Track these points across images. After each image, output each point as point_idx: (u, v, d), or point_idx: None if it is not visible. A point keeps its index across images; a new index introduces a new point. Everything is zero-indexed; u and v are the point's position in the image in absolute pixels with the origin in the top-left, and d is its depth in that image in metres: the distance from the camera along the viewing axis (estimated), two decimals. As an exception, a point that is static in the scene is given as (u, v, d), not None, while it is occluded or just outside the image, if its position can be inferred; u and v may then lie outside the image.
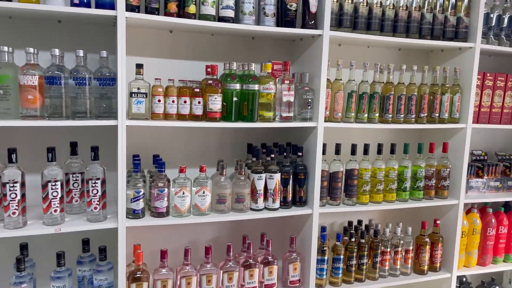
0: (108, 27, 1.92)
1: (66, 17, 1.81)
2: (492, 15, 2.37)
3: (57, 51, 1.65)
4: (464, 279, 2.69)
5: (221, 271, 1.98)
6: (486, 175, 2.54)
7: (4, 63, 1.60)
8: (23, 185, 1.65)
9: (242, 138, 2.24)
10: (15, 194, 1.61)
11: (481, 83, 2.39)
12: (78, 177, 1.84)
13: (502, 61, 2.72)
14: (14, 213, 1.63)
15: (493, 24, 2.37)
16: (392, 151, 2.25)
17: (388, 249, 2.28)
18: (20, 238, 1.77)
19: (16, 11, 1.66)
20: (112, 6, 1.67)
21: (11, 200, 1.61)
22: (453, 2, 2.23)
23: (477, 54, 2.27)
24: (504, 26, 2.39)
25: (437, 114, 2.28)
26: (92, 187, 1.74)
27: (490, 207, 2.57)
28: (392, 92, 2.16)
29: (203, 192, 1.90)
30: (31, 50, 1.61)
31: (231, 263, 1.98)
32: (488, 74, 2.40)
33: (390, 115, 2.18)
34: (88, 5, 1.66)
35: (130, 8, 1.68)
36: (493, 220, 2.55)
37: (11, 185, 1.61)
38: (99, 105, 1.72)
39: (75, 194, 1.86)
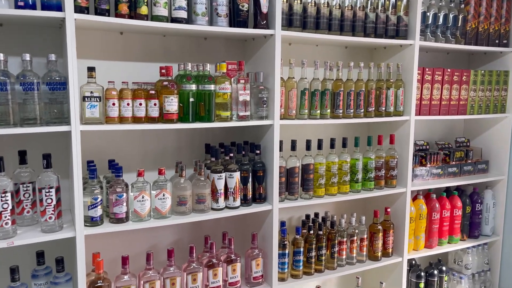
0: (55, 30, 1.84)
1: (9, 20, 1.72)
2: (428, 14, 2.54)
3: (1, 56, 1.56)
4: (414, 262, 2.87)
5: (185, 273, 1.97)
6: (429, 163, 2.72)
7: None
8: (-31, 198, 1.55)
9: (200, 139, 2.24)
10: (-39, 208, 1.51)
11: (421, 77, 2.56)
12: (28, 186, 1.76)
13: (438, 56, 2.93)
14: (-40, 229, 1.52)
15: (429, 22, 2.55)
16: (344, 145, 2.35)
17: (345, 239, 2.38)
18: (-33, 255, 1.67)
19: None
20: (59, 8, 1.61)
21: (-44, 215, 1.51)
22: (393, 1, 2.37)
23: (417, 50, 2.43)
24: (439, 23, 2.57)
25: (383, 108, 2.41)
26: (46, 195, 1.66)
27: (433, 193, 2.76)
28: (342, 89, 2.26)
29: (163, 195, 1.89)
30: (-28, 55, 1.52)
31: (194, 264, 1.98)
32: (427, 69, 2.57)
33: (341, 111, 2.28)
34: (33, 7, 1.59)
35: (79, 9, 1.63)
36: (437, 205, 2.74)
37: (-45, 199, 1.51)
38: (50, 110, 1.65)
39: (26, 205, 1.77)
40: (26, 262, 1.80)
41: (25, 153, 1.73)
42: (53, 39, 1.85)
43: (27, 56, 1.62)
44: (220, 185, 2.01)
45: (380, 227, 2.50)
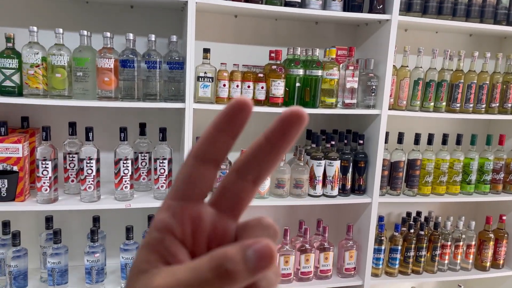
0: (176, 12, 1.97)
1: (138, 3, 1.88)
2: None
3: (131, 36, 1.73)
4: (529, 279, 2.56)
5: (278, 254, 2.01)
6: (560, 171, 2.37)
7: (84, 47, 1.70)
8: (98, 161, 1.76)
9: (302, 124, 2.23)
10: (91, 169, 1.73)
11: (562, 72, 2.21)
12: (145, 156, 1.94)
13: None
14: (89, 187, 1.74)
15: None
16: (458, 142, 2.15)
17: (449, 243, 2.21)
18: (93, 211, 1.91)
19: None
20: (184, -9, 1.71)
21: (87, 175, 1.73)
22: (535, -16, 2.07)
23: (560, 41, 2.11)
24: None
25: (510, 105, 2.15)
26: (160, 166, 1.82)
27: None
28: (462, 81, 2.06)
29: (263, 176, 1.93)
30: (108, 34, 1.70)
31: (287, 247, 2.02)
32: None
33: (459, 105, 2.08)
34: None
35: (200, -7, 1.71)
36: None
37: (88, 161, 1.72)
38: (168, 88, 1.79)
39: (142, 172, 1.96)
40: (139, 223, 2.00)
41: (145, 125, 1.90)
42: (174, 21, 1.98)
43: (153, 37, 1.76)
44: (319, 172, 1.99)
45: (491, 235, 2.27)
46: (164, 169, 1.83)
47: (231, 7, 1.81)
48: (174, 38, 1.79)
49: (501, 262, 2.32)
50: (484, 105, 2.12)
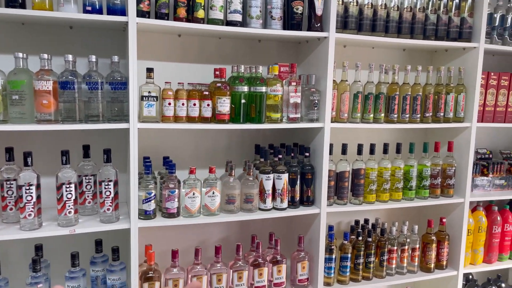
0: (118, 32, 1.96)
1: (78, 23, 1.85)
2: (495, 15, 2.39)
3: (70, 57, 1.69)
4: (471, 276, 2.71)
5: (231, 270, 2.01)
6: (491, 173, 2.56)
7: (20, 69, 1.64)
8: (38, 187, 1.69)
9: (250, 139, 2.27)
10: (31, 196, 1.66)
11: (486, 82, 2.41)
12: (90, 179, 1.88)
13: (506, 60, 2.75)
14: (30, 215, 1.67)
15: (496, 24, 2.39)
16: (398, 150, 2.27)
17: (395, 247, 2.31)
18: (35, 239, 1.82)
19: (29, 18, 1.70)
20: (123, 12, 1.71)
21: (26, 202, 1.65)
22: (457, 2, 2.26)
23: (481, 54, 2.30)
24: (507, 25, 2.41)
25: (442, 114, 2.31)
26: (105, 188, 1.78)
27: (495, 205, 2.59)
28: (398, 93, 2.19)
29: (213, 193, 1.94)
30: (45, 56, 1.65)
31: (240, 262, 2.02)
32: (492, 74, 2.42)
33: (396, 115, 2.21)
34: (100, 12, 1.70)
35: (141, 14, 1.72)
36: (498, 218, 2.57)
37: (27, 187, 1.65)
38: (111, 108, 1.76)
39: (87, 196, 1.90)
40: (85, 249, 1.93)
41: (88, 147, 1.86)
42: (116, 42, 1.96)
43: (93, 58, 1.74)
44: (268, 186, 2.03)
45: (434, 238, 2.39)
46: (110, 191, 1.78)
47: (173, 27, 1.83)
48: (115, 58, 1.77)
49: (444, 262, 2.45)
50: (419, 115, 2.26)
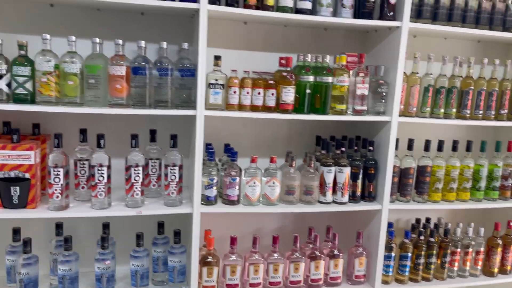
0: (186, 19, 1.97)
1: (150, 10, 1.88)
2: None
3: (142, 43, 1.73)
4: (538, 285, 2.55)
5: (288, 261, 2.01)
6: None
7: (96, 54, 1.70)
8: (109, 168, 1.75)
9: (311, 130, 2.23)
10: (102, 176, 1.72)
11: None
12: (155, 162, 1.94)
13: None
14: (100, 195, 1.74)
15: None
16: (468, 148, 2.15)
17: (459, 249, 2.20)
18: (103, 217, 1.90)
19: (105, 4, 1.75)
20: (194, -1, 1.72)
21: (98, 182, 1.72)
22: (544, -9, 2.08)
23: None
24: None
25: (519, 111, 2.15)
26: (170, 172, 1.82)
27: None
28: (472, 87, 2.06)
29: (273, 183, 1.93)
30: (120, 41, 1.70)
31: (297, 254, 2.01)
32: None
33: (468, 111, 2.09)
34: (172, -2, 1.71)
35: (212, 1, 1.71)
36: None
37: (99, 168, 1.72)
38: (179, 95, 1.79)
39: (152, 179, 1.95)
40: (147, 230, 1.99)
41: (155, 132, 1.91)
42: (184, 28, 1.98)
43: (164, 44, 1.76)
44: (329, 179, 1.99)
45: (500, 241, 2.26)
46: (174, 175, 1.82)
47: (242, 14, 1.81)
48: (185, 45, 1.79)
49: (509, 268, 2.32)
50: (493, 112, 2.12)
